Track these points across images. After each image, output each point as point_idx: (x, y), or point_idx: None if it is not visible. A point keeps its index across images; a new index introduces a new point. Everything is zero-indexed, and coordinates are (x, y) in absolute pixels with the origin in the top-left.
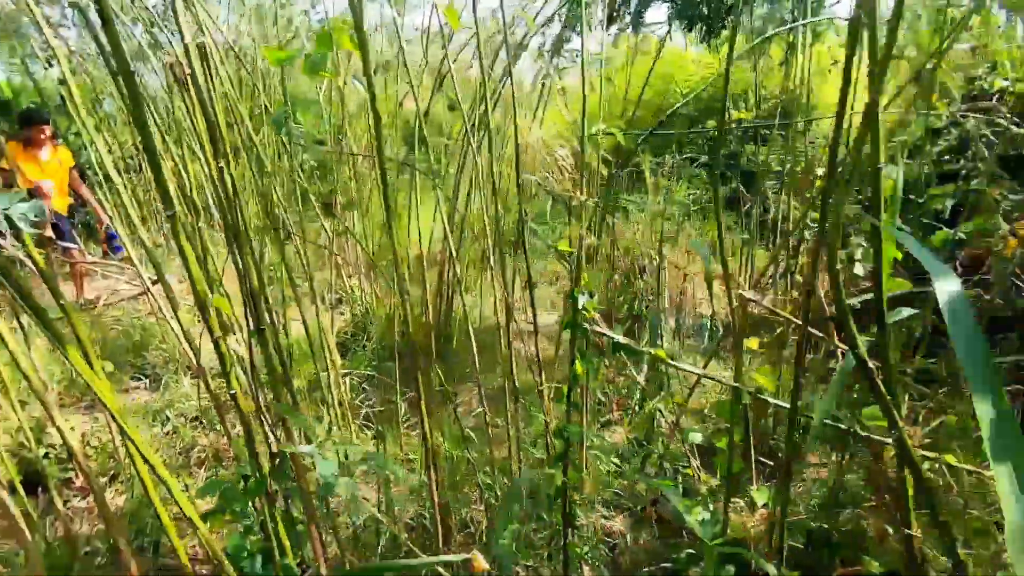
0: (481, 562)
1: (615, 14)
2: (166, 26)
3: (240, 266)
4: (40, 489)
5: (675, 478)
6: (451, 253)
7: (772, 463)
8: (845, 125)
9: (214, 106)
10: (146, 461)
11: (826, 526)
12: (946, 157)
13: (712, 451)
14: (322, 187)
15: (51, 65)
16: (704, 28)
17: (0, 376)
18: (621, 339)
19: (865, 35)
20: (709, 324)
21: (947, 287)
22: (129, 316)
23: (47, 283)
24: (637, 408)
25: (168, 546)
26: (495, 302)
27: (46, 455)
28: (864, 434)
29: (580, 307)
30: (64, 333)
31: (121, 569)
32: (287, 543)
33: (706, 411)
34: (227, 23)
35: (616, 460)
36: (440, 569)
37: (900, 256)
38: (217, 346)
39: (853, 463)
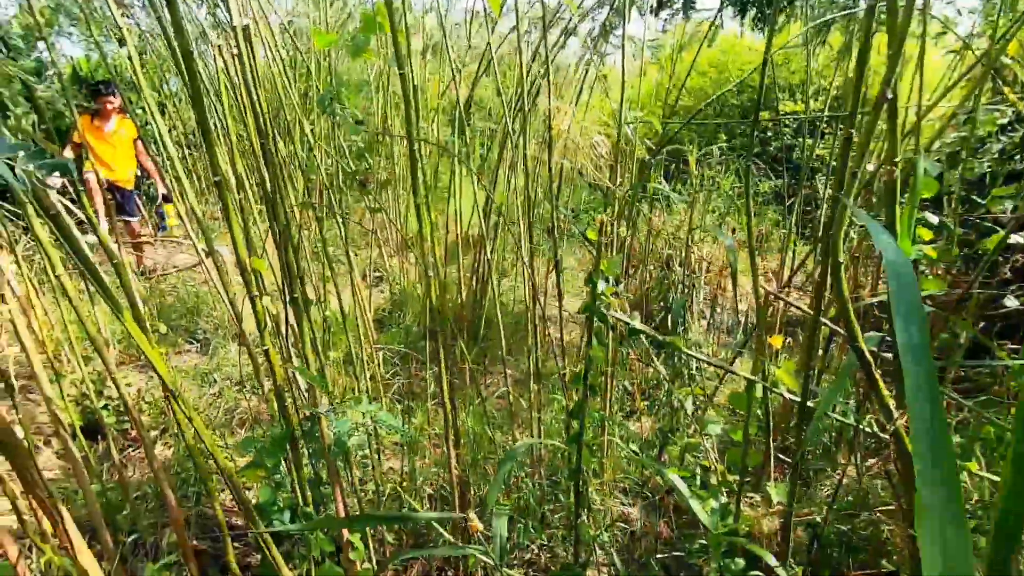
0: (477, 523)
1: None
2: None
3: (278, 238)
4: (99, 437)
5: (696, 470)
6: (485, 236)
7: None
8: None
9: (257, 86)
10: (187, 417)
11: (843, 527)
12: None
13: (736, 445)
14: (365, 165)
15: (122, 44)
16: (758, 13)
17: (68, 332)
18: (637, 325)
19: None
20: (743, 319)
21: (892, 255)
22: (185, 284)
23: (105, 251)
24: (663, 399)
25: (210, 496)
26: (526, 286)
27: (105, 406)
28: (869, 431)
29: (598, 292)
30: (120, 298)
31: (167, 514)
32: (311, 498)
33: (726, 403)
34: (284, 5)
35: (636, 448)
36: (446, 535)
37: (934, 255)
38: (253, 304)
39: (878, 465)
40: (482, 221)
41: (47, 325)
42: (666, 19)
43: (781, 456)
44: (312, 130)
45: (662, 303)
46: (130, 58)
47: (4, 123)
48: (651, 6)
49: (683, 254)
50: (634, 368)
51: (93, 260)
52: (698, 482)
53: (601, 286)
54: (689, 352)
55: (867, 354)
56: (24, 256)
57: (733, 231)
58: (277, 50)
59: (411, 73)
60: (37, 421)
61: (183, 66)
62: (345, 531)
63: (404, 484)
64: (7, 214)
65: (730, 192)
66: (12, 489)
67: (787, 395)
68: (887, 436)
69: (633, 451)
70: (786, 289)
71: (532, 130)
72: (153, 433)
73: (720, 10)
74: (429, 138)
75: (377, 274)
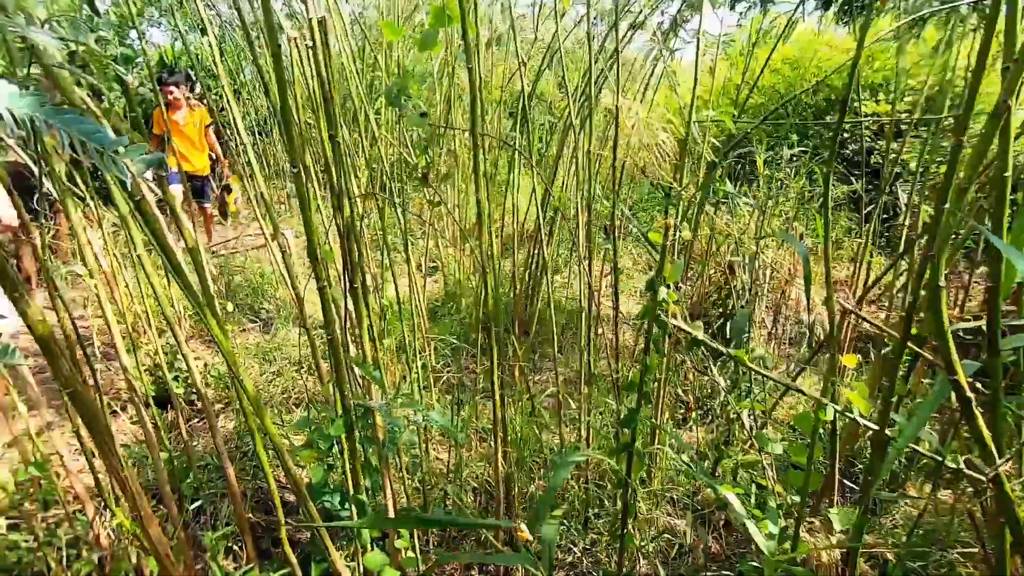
0: (525, 532)
1: None
2: None
3: (341, 228)
4: (168, 406)
5: (750, 487)
6: (541, 232)
7: (860, 489)
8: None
9: (330, 79)
10: (246, 394)
11: (915, 564)
12: None
13: (793, 466)
14: (426, 159)
15: (204, 33)
16: (845, 6)
17: (145, 306)
18: (699, 335)
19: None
20: (809, 331)
21: None
22: (252, 264)
23: (182, 233)
24: (718, 410)
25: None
26: (580, 284)
27: (175, 377)
28: (955, 467)
29: (660, 299)
30: (192, 277)
31: (226, 485)
32: (363, 483)
33: (786, 418)
34: None
35: (687, 459)
36: (495, 542)
37: None
38: (323, 294)
39: (957, 500)
40: (540, 215)
41: (127, 299)
42: (742, 13)
43: (849, 483)
44: (377, 119)
45: (720, 309)
46: (210, 46)
47: (99, 107)
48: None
49: (746, 259)
50: (689, 375)
51: (170, 240)
52: (753, 500)
53: (663, 293)
54: (754, 368)
55: (966, 390)
56: (110, 232)
57: (801, 236)
58: (347, 40)
59: (478, 68)
60: (115, 388)
61: (273, 71)
62: (391, 513)
63: (450, 475)
64: (96, 191)
65: (800, 195)
66: (91, 449)
67: (861, 421)
68: (981, 476)
69: (685, 462)
70: (857, 300)
71: (594, 125)
72: (217, 406)
73: (802, 3)
74: (490, 130)
75: (432, 264)
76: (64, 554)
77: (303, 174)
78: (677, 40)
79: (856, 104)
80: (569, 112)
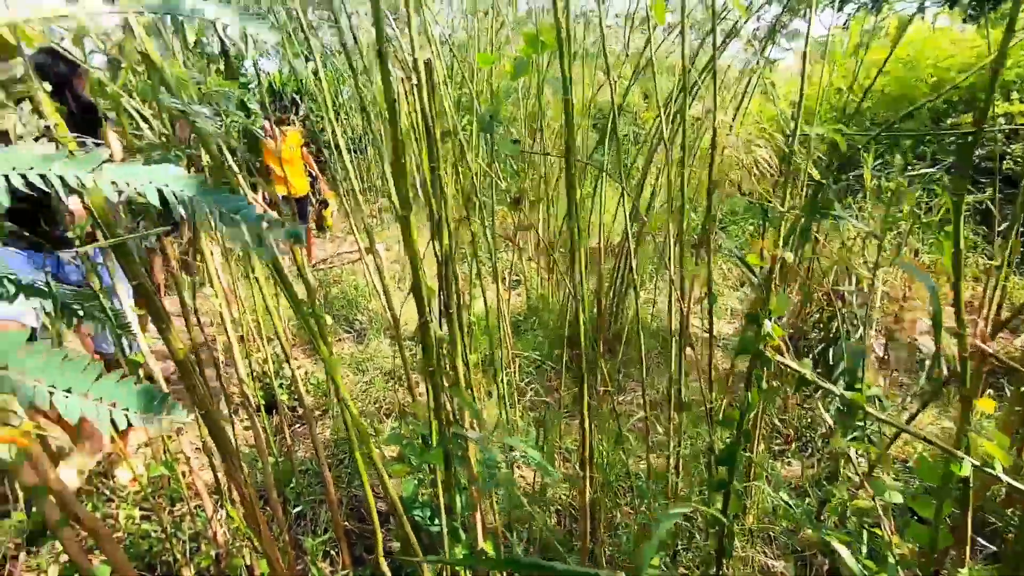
0: None
1: None
2: (396, 21)
3: (439, 254)
4: (273, 412)
5: (861, 534)
6: (629, 247)
7: (995, 547)
8: None
9: (433, 117)
10: (348, 411)
11: None
12: None
13: (911, 511)
14: (514, 183)
15: (308, 60)
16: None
17: (256, 317)
18: (808, 372)
19: None
20: (929, 361)
21: None
22: (347, 277)
23: (293, 257)
24: (819, 444)
25: (361, 481)
26: (669, 302)
27: (280, 384)
28: None
29: (764, 332)
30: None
31: (323, 491)
32: (455, 502)
33: (900, 456)
34: (445, 15)
35: (787, 497)
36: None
37: None
38: (424, 327)
39: None
40: (628, 229)
41: (242, 311)
42: (850, 14)
43: (981, 540)
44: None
45: (821, 332)
46: (315, 73)
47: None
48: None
49: (853, 281)
50: (789, 406)
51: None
52: (864, 550)
53: (767, 327)
54: (872, 412)
55: None
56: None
57: (916, 253)
58: (439, 59)
59: (570, 94)
60: (228, 392)
61: (387, 115)
62: (480, 537)
63: (535, 495)
64: None
65: (914, 209)
66: (211, 451)
67: (1005, 479)
68: None
69: (784, 502)
70: (989, 331)
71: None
72: (316, 412)
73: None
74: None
75: (515, 278)
76: (187, 547)
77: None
78: (774, 48)
79: (986, 104)
80: (660, 124)
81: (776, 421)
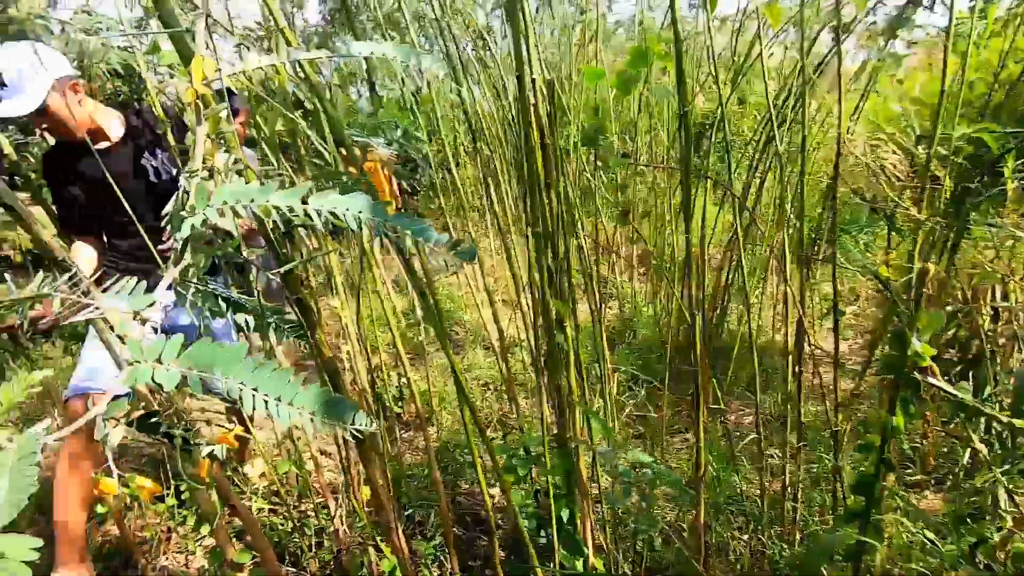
0: None
1: None
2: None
3: (550, 268)
4: (384, 417)
5: None
6: (737, 256)
7: None
8: None
9: (554, 135)
10: (472, 414)
11: None
12: None
13: None
14: (620, 196)
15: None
16: None
17: (373, 327)
18: (968, 399)
19: None
20: None
21: None
22: (442, 289)
23: (415, 274)
24: (960, 476)
25: (460, 486)
26: (781, 316)
27: (386, 390)
28: None
29: (913, 351)
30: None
31: (434, 494)
32: (566, 514)
33: None
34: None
35: (928, 532)
36: None
37: None
38: (552, 347)
39: None
40: (739, 239)
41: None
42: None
43: None
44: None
45: (959, 350)
46: (414, 94)
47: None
48: None
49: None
50: (930, 433)
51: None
52: None
53: (916, 346)
54: None
55: None
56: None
57: None
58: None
59: (691, 104)
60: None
61: (515, 137)
62: (591, 555)
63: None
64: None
65: None
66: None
67: None
68: None
69: (927, 539)
70: None
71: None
72: (419, 422)
73: None
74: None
75: (606, 291)
76: (312, 541)
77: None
78: (896, 43)
79: None
80: (772, 124)
81: (908, 448)
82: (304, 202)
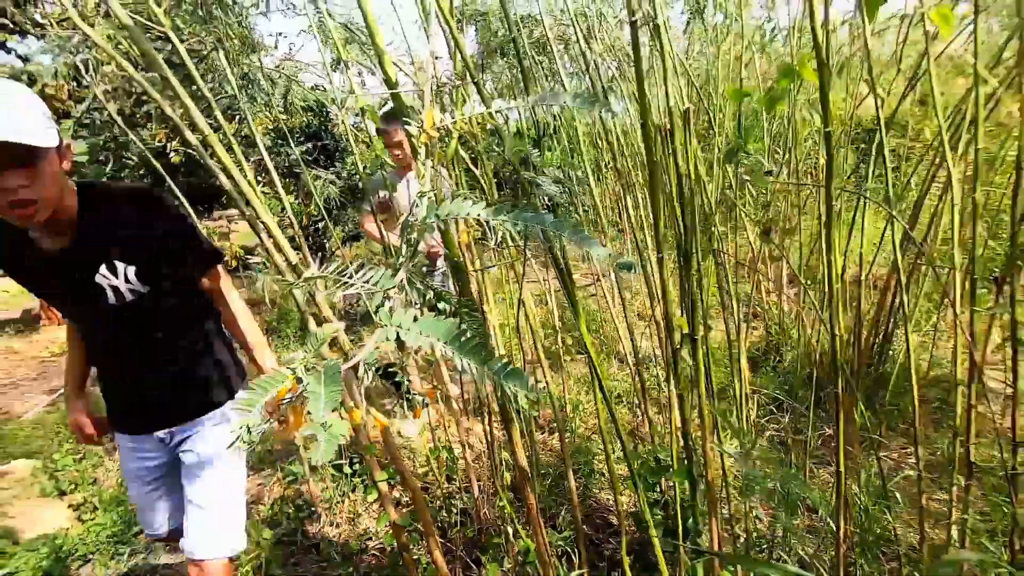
0: None
1: None
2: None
3: (685, 285)
4: (520, 417)
5: None
6: (899, 280)
7: None
8: None
9: (680, 169)
10: (615, 424)
11: None
12: None
13: None
14: (762, 213)
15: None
16: None
17: (507, 337)
18: None
19: None
20: None
21: None
22: (582, 301)
23: (563, 282)
24: None
25: (591, 490)
26: (956, 347)
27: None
28: None
29: None
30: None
31: (564, 494)
32: (691, 523)
33: None
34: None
35: None
36: None
37: None
38: (675, 356)
39: None
40: (899, 258)
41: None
42: None
43: None
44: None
45: None
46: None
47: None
48: None
49: None
50: None
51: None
52: None
53: None
54: None
55: None
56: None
57: None
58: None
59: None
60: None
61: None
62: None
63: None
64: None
65: None
66: (504, 449)
67: None
68: None
69: None
70: None
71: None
72: (551, 425)
73: None
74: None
75: (752, 312)
76: (457, 520)
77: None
78: None
79: None
80: (945, 135)
81: None
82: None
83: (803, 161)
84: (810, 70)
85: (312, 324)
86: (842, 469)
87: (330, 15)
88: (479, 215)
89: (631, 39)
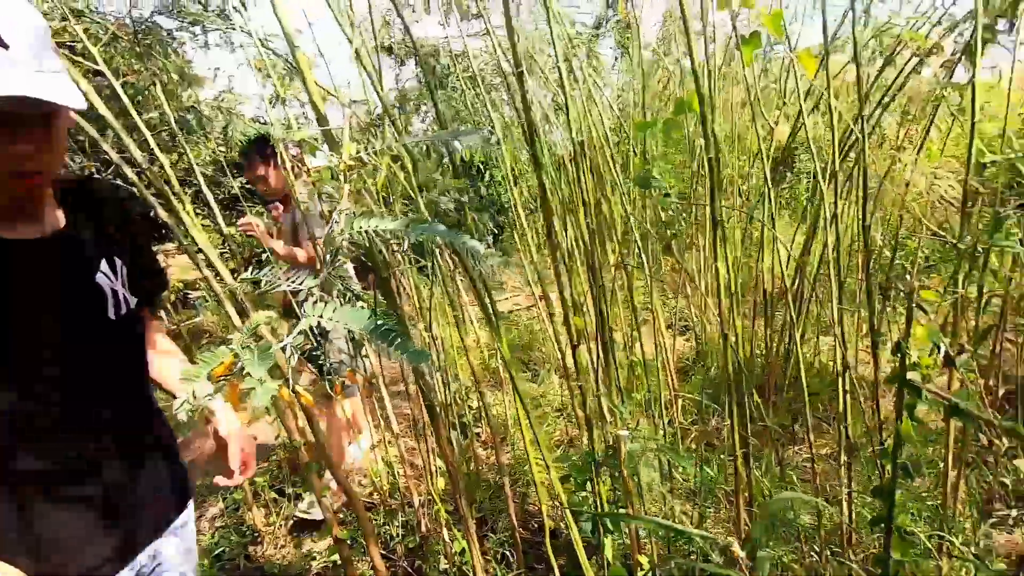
0: (739, 550)
1: None
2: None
3: (595, 294)
4: (464, 436)
5: None
6: (804, 288)
7: None
8: None
9: (585, 184)
10: (535, 434)
11: None
12: None
13: None
14: (668, 231)
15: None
16: None
17: (453, 358)
18: (963, 404)
19: None
20: None
21: None
22: (524, 323)
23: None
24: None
25: (530, 498)
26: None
27: (465, 412)
28: None
29: (910, 361)
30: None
31: (503, 501)
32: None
33: None
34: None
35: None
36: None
37: None
38: (574, 351)
39: None
40: (784, 273)
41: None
42: None
43: None
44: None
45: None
46: (497, 143)
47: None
48: None
49: None
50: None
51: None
52: None
53: (914, 355)
54: None
55: None
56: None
57: None
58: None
59: (715, 148)
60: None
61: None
62: (636, 551)
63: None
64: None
65: None
66: (436, 465)
67: None
68: None
69: (994, 571)
70: None
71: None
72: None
73: None
74: (745, 184)
75: (684, 323)
76: (399, 532)
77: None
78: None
79: None
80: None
81: (995, 481)
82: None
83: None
84: (695, 103)
85: (251, 312)
86: (737, 453)
87: (268, 48)
88: (381, 228)
89: (518, 87)
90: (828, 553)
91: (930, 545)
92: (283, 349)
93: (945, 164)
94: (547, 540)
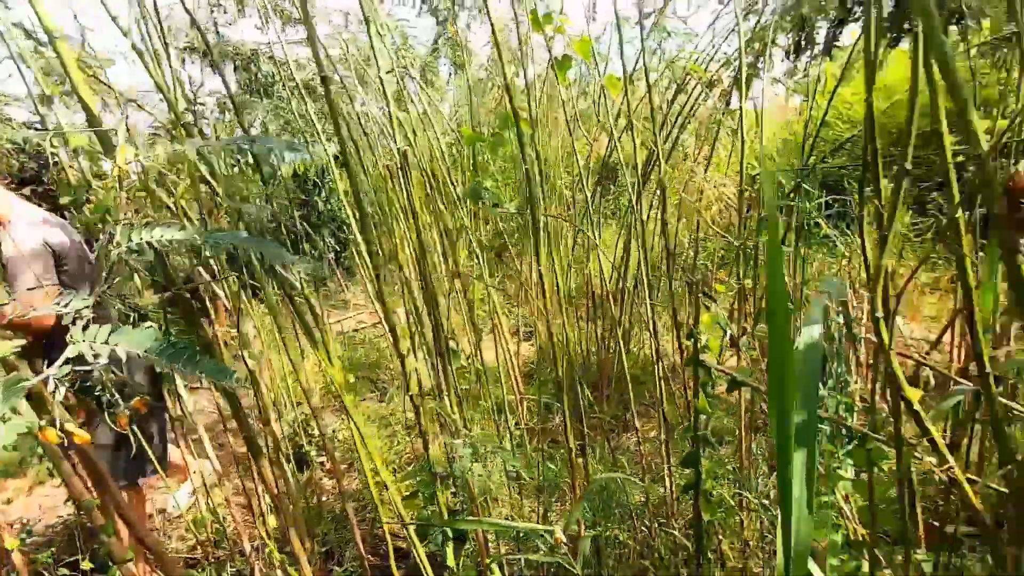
0: (560, 535)
1: (803, 43)
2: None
3: (430, 306)
4: (304, 467)
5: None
6: (624, 292)
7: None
8: None
9: (411, 195)
10: (372, 459)
11: None
12: None
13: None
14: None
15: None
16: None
17: (286, 383)
18: (739, 377)
19: None
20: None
21: None
22: (371, 340)
23: (314, 319)
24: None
25: (379, 522)
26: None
27: (309, 442)
28: None
29: (701, 345)
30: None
31: (349, 531)
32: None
33: None
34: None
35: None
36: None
37: None
38: (402, 361)
39: None
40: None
41: (273, 376)
42: (808, 61)
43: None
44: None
45: None
46: (335, 157)
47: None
48: (788, 51)
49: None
50: None
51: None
52: (840, 541)
53: (704, 339)
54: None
55: None
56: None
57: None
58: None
59: (536, 166)
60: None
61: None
62: (484, 555)
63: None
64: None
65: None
66: (265, 504)
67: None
68: None
69: (763, 505)
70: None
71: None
72: (343, 466)
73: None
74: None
75: (528, 329)
76: None
77: (389, 273)
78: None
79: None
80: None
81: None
82: (198, 237)
83: (552, 195)
84: (524, 121)
85: None
86: (572, 445)
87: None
88: (166, 238)
89: (324, 93)
90: (656, 526)
91: (732, 503)
92: (45, 382)
93: (732, 177)
94: (392, 563)
